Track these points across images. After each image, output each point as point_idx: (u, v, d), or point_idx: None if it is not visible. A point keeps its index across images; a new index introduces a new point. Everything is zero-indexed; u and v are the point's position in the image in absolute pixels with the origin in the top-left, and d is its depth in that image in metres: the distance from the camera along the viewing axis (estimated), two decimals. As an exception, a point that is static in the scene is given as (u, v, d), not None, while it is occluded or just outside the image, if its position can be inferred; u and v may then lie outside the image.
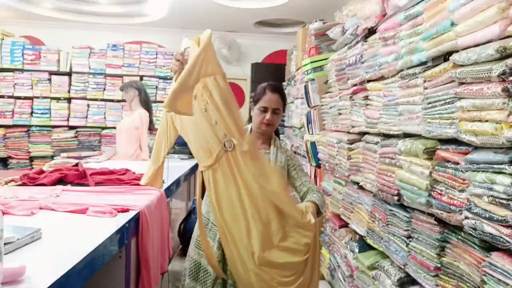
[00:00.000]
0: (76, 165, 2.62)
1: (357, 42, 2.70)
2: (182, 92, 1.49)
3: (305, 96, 3.94)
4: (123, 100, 5.75)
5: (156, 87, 6.17)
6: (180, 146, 4.58)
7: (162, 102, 6.13)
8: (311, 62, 3.69)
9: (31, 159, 5.97)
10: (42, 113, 6.00)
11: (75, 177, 2.31)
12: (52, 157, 5.51)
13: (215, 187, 1.64)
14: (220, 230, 1.69)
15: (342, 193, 2.98)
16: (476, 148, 1.46)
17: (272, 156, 1.95)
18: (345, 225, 3.00)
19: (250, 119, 2.05)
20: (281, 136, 5.88)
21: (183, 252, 3.92)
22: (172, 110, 1.54)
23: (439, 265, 1.71)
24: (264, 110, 1.92)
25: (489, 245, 1.41)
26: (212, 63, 1.58)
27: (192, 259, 1.96)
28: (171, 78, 6.18)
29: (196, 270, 1.92)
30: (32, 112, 5.99)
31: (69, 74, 6.06)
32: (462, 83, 1.50)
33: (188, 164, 3.56)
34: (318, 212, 1.83)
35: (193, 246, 1.97)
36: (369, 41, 2.53)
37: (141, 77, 6.06)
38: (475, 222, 1.41)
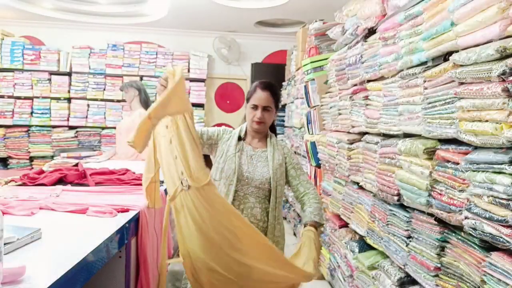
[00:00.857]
0: (76, 165, 2.62)
1: (357, 42, 2.70)
2: (143, 124, 1.53)
3: (305, 96, 3.94)
4: (123, 100, 5.75)
5: (156, 87, 6.17)
6: (180, 146, 4.59)
7: (162, 102, 6.17)
8: (311, 62, 3.69)
9: (31, 159, 5.97)
10: (42, 113, 6.00)
11: (75, 177, 2.32)
12: (52, 157, 5.51)
13: (178, 219, 1.62)
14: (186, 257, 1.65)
15: (342, 193, 2.98)
16: (476, 148, 1.46)
17: (269, 155, 1.94)
18: (345, 225, 3.00)
19: (244, 118, 2.04)
20: (281, 136, 5.88)
21: (183, 252, 3.93)
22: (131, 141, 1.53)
23: (439, 265, 1.71)
24: (255, 107, 1.91)
25: (489, 245, 1.41)
26: (182, 100, 1.64)
27: None
28: (171, 78, 6.21)
29: None
30: (32, 112, 5.99)
31: (69, 74, 6.06)
32: (462, 83, 1.50)
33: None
34: (318, 225, 1.85)
35: None
36: (369, 41, 2.53)
37: (141, 77, 6.07)
38: (475, 222, 1.41)
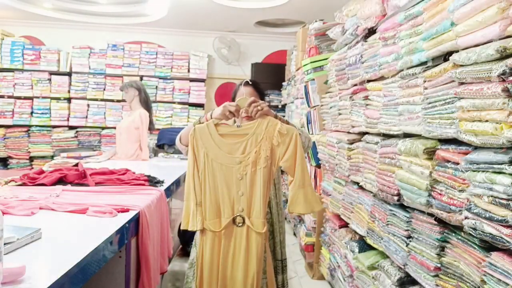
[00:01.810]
0: (76, 165, 2.62)
1: (357, 42, 2.70)
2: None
3: (305, 96, 3.94)
4: (123, 100, 5.75)
5: (156, 87, 6.17)
6: (180, 146, 4.59)
7: (162, 102, 6.17)
8: (311, 62, 3.69)
9: (31, 159, 5.98)
10: (42, 113, 6.00)
11: (75, 177, 2.31)
12: (52, 157, 5.52)
13: (203, 250, 1.76)
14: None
15: (342, 193, 2.98)
16: (476, 148, 1.46)
17: None
18: (345, 225, 3.00)
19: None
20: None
21: (183, 252, 3.93)
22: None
23: (439, 265, 1.71)
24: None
25: (489, 245, 1.41)
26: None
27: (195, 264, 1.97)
28: (171, 78, 6.21)
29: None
30: (32, 112, 5.99)
31: (69, 74, 6.07)
32: (462, 83, 1.50)
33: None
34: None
35: (195, 252, 1.98)
36: (369, 41, 2.53)
37: (141, 77, 6.07)
38: (475, 222, 1.41)
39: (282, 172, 2.07)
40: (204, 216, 1.73)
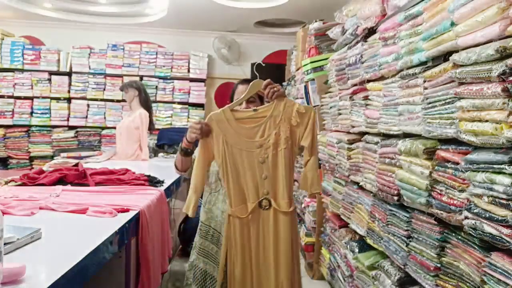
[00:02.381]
0: (76, 165, 2.62)
1: (357, 42, 2.70)
2: None
3: (305, 96, 3.94)
4: (123, 100, 5.75)
5: (156, 87, 6.17)
6: (180, 146, 4.59)
7: (162, 102, 6.17)
8: (311, 62, 3.69)
9: (31, 159, 5.97)
10: (42, 113, 6.00)
11: (75, 177, 2.31)
12: (52, 157, 5.51)
13: (231, 235, 1.75)
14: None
15: (342, 193, 2.98)
16: (476, 148, 1.46)
17: None
18: (345, 225, 3.00)
19: None
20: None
21: (183, 252, 3.93)
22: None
23: (439, 265, 1.71)
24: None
25: (489, 245, 1.41)
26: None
27: (197, 267, 1.97)
28: (171, 78, 6.21)
29: (202, 279, 1.95)
30: (32, 112, 5.99)
31: (69, 74, 6.07)
32: (462, 83, 1.50)
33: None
34: None
35: (197, 255, 1.99)
36: (369, 41, 2.53)
37: (141, 77, 6.06)
38: (475, 222, 1.40)
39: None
40: (230, 203, 1.74)
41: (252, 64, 6.55)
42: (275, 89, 1.78)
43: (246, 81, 2.07)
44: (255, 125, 1.76)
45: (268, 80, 1.80)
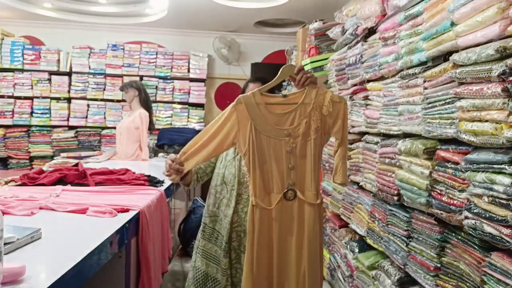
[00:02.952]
0: (76, 165, 2.62)
1: (357, 42, 2.70)
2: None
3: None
4: (123, 100, 5.75)
5: (156, 87, 6.17)
6: (180, 146, 4.59)
7: (162, 102, 6.16)
8: (311, 62, 3.68)
9: (31, 159, 5.97)
10: (42, 113, 5.99)
11: (75, 177, 2.31)
12: (52, 157, 5.51)
13: (254, 226, 1.64)
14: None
15: (342, 193, 2.98)
16: (476, 148, 1.46)
17: None
18: (345, 225, 3.00)
19: None
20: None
21: (183, 252, 3.93)
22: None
23: (439, 265, 1.71)
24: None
25: (489, 245, 1.41)
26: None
27: (198, 269, 1.97)
28: (171, 78, 6.20)
29: (203, 281, 1.94)
30: (32, 112, 5.99)
31: (69, 74, 6.06)
32: (462, 83, 1.50)
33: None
34: None
35: (200, 257, 1.98)
36: (369, 41, 2.53)
37: (141, 77, 6.06)
38: (475, 222, 1.41)
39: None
40: (254, 193, 1.63)
41: (252, 64, 6.55)
42: (308, 75, 1.68)
43: (257, 80, 2.03)
44: (285, 112, 1.65)
45: (300, 64, 1.76)
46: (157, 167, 3.58)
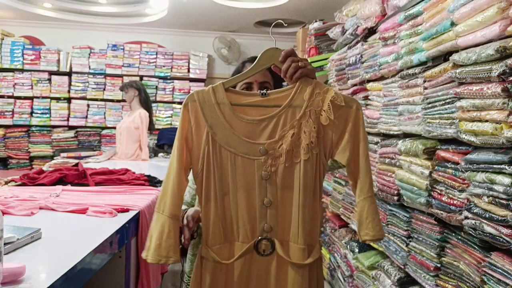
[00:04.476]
0: (76, 165, 2.62)
1: (357, 42, 2.70)
2: None
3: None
4: (123, 100, 5.75)
5: (156, 87, 6.17)
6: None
7: (162, 102, 6.16)
8: (311, 62, 3.68)
9: (31, 159, 5.97)
10: (42, 113, 5.99)
11: (75, 177, 2.31)
12: (52, 157, 5.51)
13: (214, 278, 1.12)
14: None
15: (342, 193, 2.98)
16: (476, 148, 1.46)
17: None
18: (345, 225, 3.00)
19: None
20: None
21: (183, 252, 3.93)
22: None
23: (439, 265, 1.71)
24: (248, 87, 1.34)
25: (489, 245, 1.41)
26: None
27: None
28: (171, 78, 6.21)
29: None
30: (32, 112, 5.99)
31: (69, 74, 6.06)
32: (462, 83, 1.50)
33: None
34: None
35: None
36: (369, 41, 2.53)
37: (141, 77, 6.06)
38: (475, 222, 1.41)
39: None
40: (205, 237, 1.12)
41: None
42: (299, 64, 1.12)
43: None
44: (261, 118, 1.10)
45: (291, 48, 1.19)
46: (157, 167, 3.58)
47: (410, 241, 1.95)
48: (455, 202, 1.56)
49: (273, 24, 1.35)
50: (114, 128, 4.82)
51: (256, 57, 1.20)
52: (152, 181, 2.44)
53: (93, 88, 6.06)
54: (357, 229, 1.21)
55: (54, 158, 4.91)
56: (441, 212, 1.64)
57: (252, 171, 1.09)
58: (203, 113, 1.10)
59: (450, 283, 1.63)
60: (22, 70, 5.96)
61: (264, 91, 1.14)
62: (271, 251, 1.10)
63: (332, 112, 1.09)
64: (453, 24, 1.55)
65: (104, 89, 6.08)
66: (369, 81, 2.54)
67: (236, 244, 1.11)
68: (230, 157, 1.09)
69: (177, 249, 1.09)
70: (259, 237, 1.10)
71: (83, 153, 5.26)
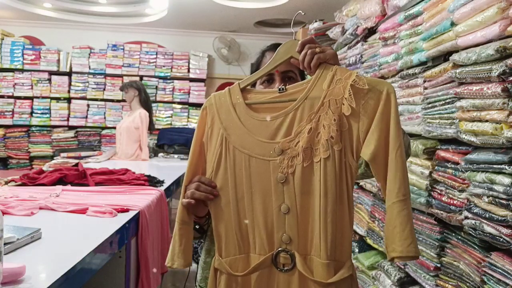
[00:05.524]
0: (76, 165, 2.62)
1: (357, 42, 2.70)
2: None
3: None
4: (123, 100, 5.76)
5: (156, 87, 6.17)
6: (180, 146, 4.60)
7: (162, 102, 6.17)
8: (311, 62, 3.69)
9: (31, 159, 5.97)
10: (42, 113, 6.00)
11: (75, 177, 2.31)
12: (52, 157, 5.51)
13: None
14: None
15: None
16: (476, 148, 1.46)
17: None
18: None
19: None
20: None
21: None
22: None
23: (439, 265, 1.71)
24: (269, 80, 1.23)
25: (489, 245, 1.41)
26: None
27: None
28: (171, 78, 6.21)
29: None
30: (32, 112, 5.99)
31: (69, 74, 6.07)
32: (462, 83, 1.50)
33: (188, 164, 3.56)
34: None
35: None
36: (369, 41, 2.53)
37: (141, 77, 6.06)
38: (475, 222, 1.41)
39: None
40: (218, 247, 1.02)
41: (252, 64, 6.56)
42: (317, 49, 1.00)
43: (278, 47, 1.13)
44: (276, 115, 0.99)
45: (310, 37, 1.10)
46: (157, 167, 3.58)
47: (410, 241, 1.96)
48: (455, 202, 1.56)
49: (293, 18, 1.26)
50: (114, 128, 4.82)
51: (278, 44, 1.13)
52: (152, 181, 2.44)
53: (93, 88, 6.06)
54: (384, 244, 1.04)
55: (54, 158, 4.91)
56: (441, 212, 1.64)
57: (267, 173, 0.97)
58: (219, 116, 1.05)
59: (450, 283, 1.63)
60: (22, 70, 5.96)
61: (282, 86, 1.03)
62: (291, 266, 0.95)
63: (353, 100, 0.92)
64: (453, 24, 1.55)
65: (104, 89, 6.08)
66: (369, 81, 2.54)
67: (252, 256, 0.99)
68: (244, 160, 0.99)
69: (181, 253, 1.03)
70: (277, 249, 0.96)
71: (83, 153, 5.26)
